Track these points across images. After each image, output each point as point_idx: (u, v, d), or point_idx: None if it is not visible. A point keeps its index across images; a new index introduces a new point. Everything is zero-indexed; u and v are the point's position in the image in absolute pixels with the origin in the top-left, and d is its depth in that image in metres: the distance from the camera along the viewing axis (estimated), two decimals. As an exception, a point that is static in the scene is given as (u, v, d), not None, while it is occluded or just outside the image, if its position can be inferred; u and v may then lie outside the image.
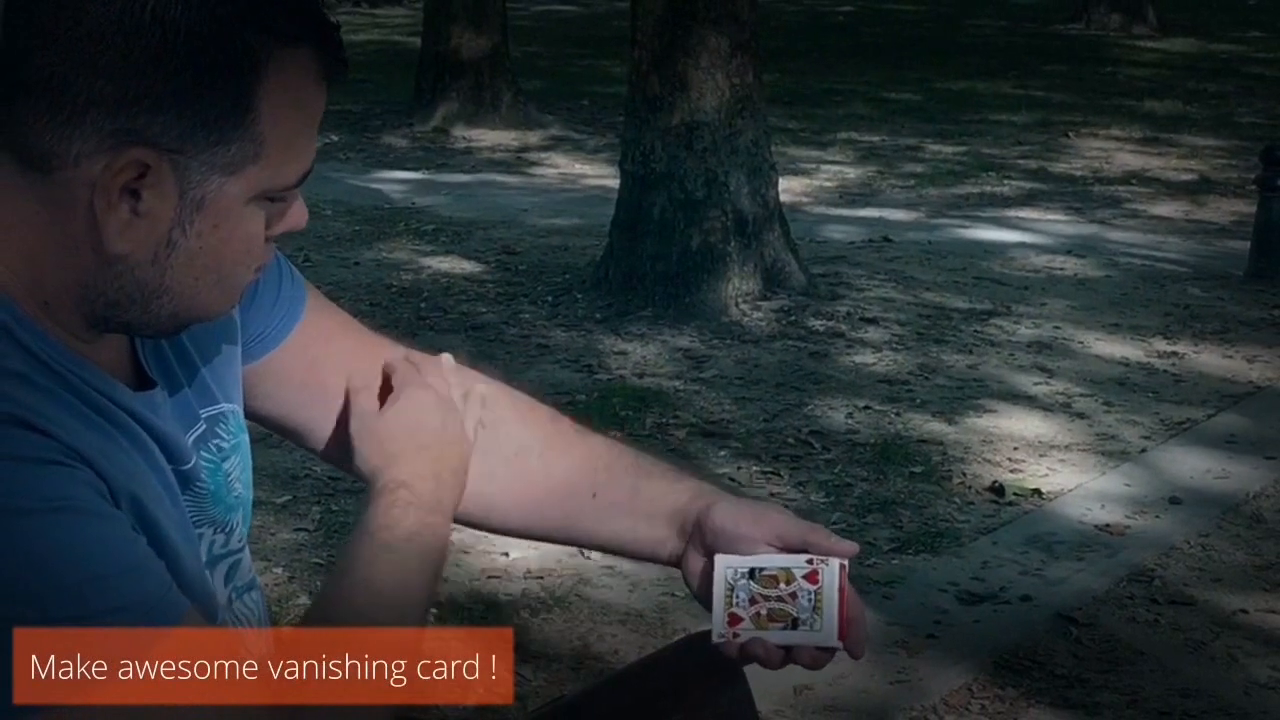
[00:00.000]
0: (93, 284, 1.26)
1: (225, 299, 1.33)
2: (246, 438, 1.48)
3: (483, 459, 1.58)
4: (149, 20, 1.19)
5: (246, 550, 1.46)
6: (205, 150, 1.23)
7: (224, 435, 1.43)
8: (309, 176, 1.31)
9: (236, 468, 1.45)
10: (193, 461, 1.36)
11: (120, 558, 1.19)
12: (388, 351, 1.63)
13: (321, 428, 1.59)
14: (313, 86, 1.27)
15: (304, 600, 3.87)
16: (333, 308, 1.61)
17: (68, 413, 1.24)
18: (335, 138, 10.68)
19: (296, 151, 1.28)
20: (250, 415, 1.58)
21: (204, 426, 1.41)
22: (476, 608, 3.84)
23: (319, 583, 3.97)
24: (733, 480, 4.60)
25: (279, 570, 4.01)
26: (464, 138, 10.95)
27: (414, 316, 6.43)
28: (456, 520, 1.62)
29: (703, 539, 1.56)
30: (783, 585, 1.50)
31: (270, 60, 1.23)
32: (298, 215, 1.34)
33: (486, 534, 4.30)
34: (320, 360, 1.57)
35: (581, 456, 1.60)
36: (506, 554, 4.15)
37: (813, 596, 1.49)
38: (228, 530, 1.42)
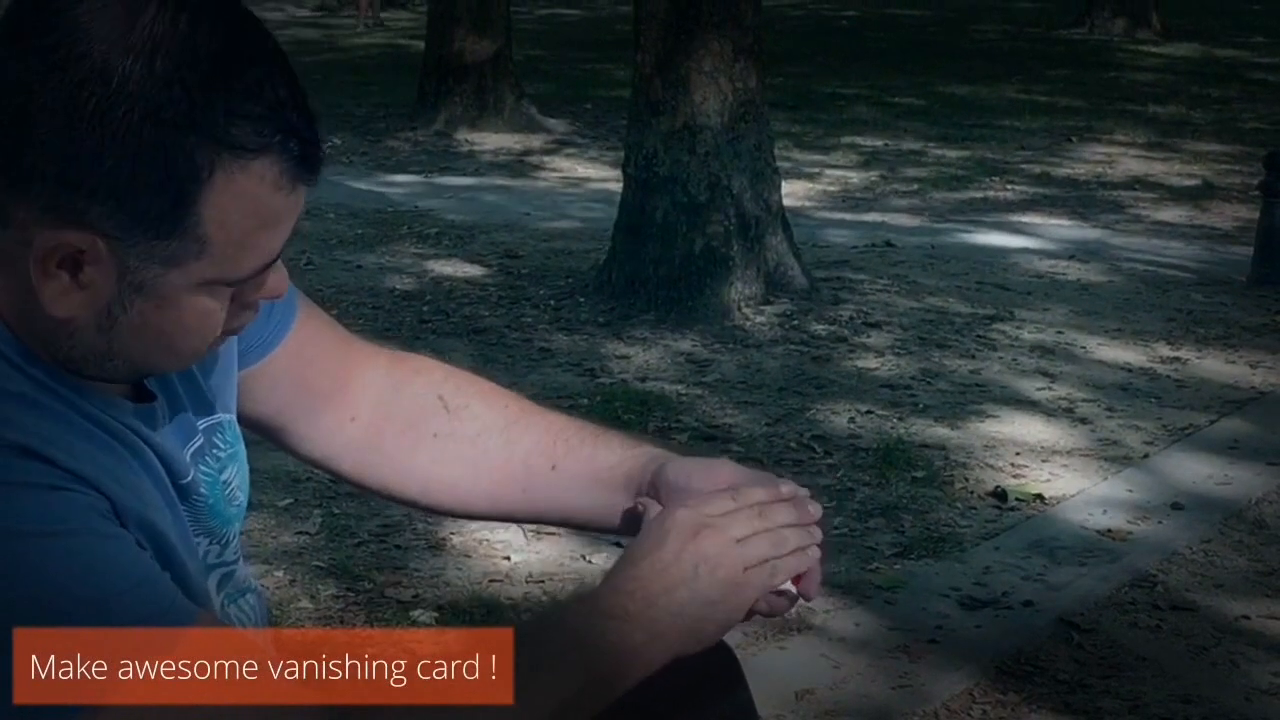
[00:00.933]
0: (51, 339, 1.26)
1: (184, 362, 1.31)
2: (243, 446, 1.48)
3: (448, 443, 1.59)
4: (90, 112, 1.16)
5: (241, 560, 1.46)
6: (142, 242, 1.20)
7: (221, 445, 1.43)
8: (276, 262, 1.27)
9: (235, 477, 1.45)
10: (191, 475, 1.37)
11: (127, 575, 1.20)
12: (368, 355, 1.64)
13: (302, 427, 1.60)
14: (270, 193, 1.21)
15: (305, 604, 3.87)
16: (317, 310, 1.61)
17: (71, 433, 1.24)
18: (338, 141, 10.68)
19: (252, 250, 1.24)
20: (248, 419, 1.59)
21: (201, 439, 1.41)
22: (478, 611, 3.84)
23: (320, 586, 3.97)
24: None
25: (280, 574, 4.00)
26: (467, 141, 10.96)
27: (416, 320, 6.43)
28: (420, 506, 1.63)
29: (658, 499, 1.55)
30: None
31: (216, 170, 1.18)
32: (274, 286, 1.31)
33: (488, 539, 4.32)
34: (314, 361, 1.58)
35: (541, 431, 1.60)
36: (508, 558, 4.15)
37: None
38: (224, 541, 1.43)
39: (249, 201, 1.21)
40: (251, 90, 1.19)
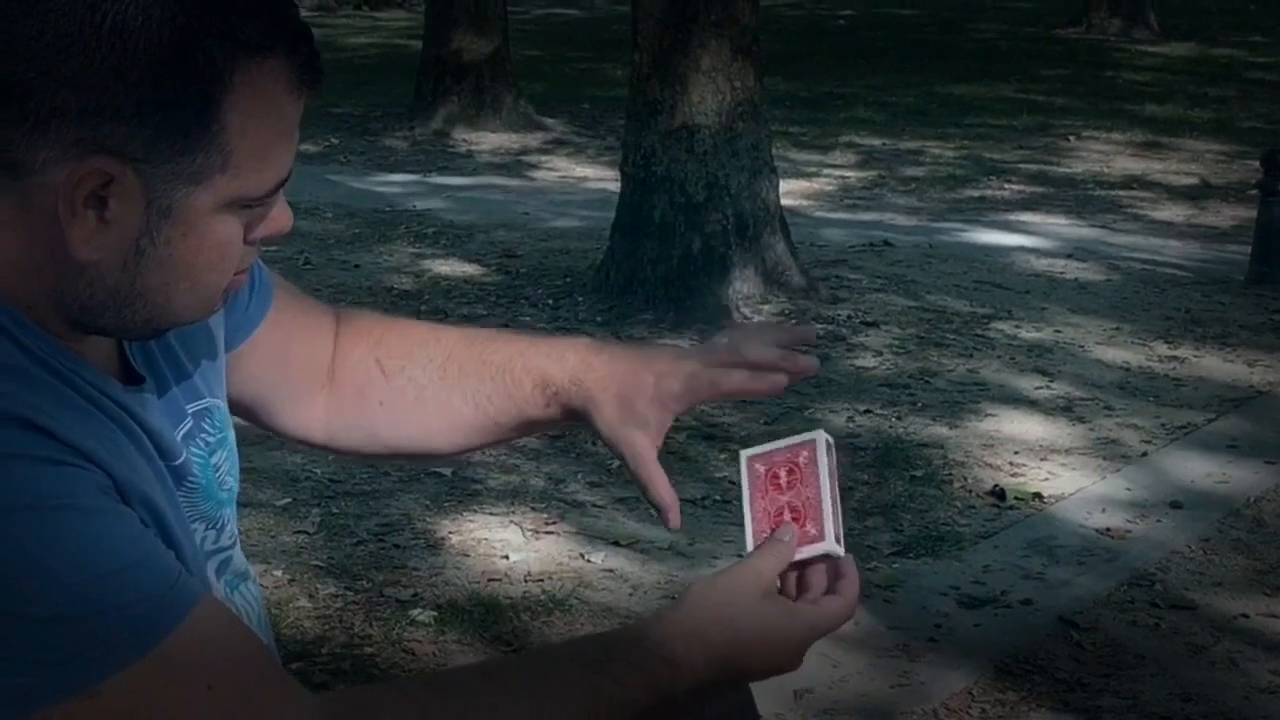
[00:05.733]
0: (67, 290, 1.25)
1: (201, 305, 1.32)
2: (232, 432, 1.48)
3: (395, 409, 1.62)
4: (108, 32, 1.17)
5: (237, 546, 1.46)
6: (170, 160, 1.21)
7: (210, 430, 1.44)
8: (288, 183, 1.30)
9: (224, 462, 1.45)
10: (183, 457, 1.37)
11: (130, 551, 1.20)
12: (324, 321, 1.65)
13: (294, 400, 1.62)
14: (284, 96, 1.25)
15: (304, 603, 3.86)
16: (285, 284, 1.62)
17: (69, 409, 1.24)
18: (335, 140, 10.68)
19: (270, 161, 1.26)
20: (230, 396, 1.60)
21: (191, 422, 1.41)
22: (477, 610, 3.84)
23: (318, 585, 3.97)
24: (733, 484, 4.59)
25: (279, 573, 4.00)
26: (464, 140, 10.95)
27: (414, 319, 6.42)
28: (399, 460, 1.64)
29: (585, 399, 1.56)
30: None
31: (236, 71, 1.21)
32: (280, 220, 1.32)
33: (487, 538, 4.32)
34: (292, 337, 1.60)
35: (473, 372, 1.61)
36: (507, 557, 4.15)
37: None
38: (219, 526, 1.43)
39: (266, 104, 1.23)
40: None
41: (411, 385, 1.62)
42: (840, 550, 1.47)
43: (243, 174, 1.24)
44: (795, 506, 1.48)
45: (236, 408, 1.60)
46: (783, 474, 1.48)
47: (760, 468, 1.49)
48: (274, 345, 1.57)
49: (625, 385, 1.54)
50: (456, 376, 1.61)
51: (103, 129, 1.19)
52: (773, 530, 1.47)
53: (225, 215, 1.26)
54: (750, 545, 1.47)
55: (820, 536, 1.46)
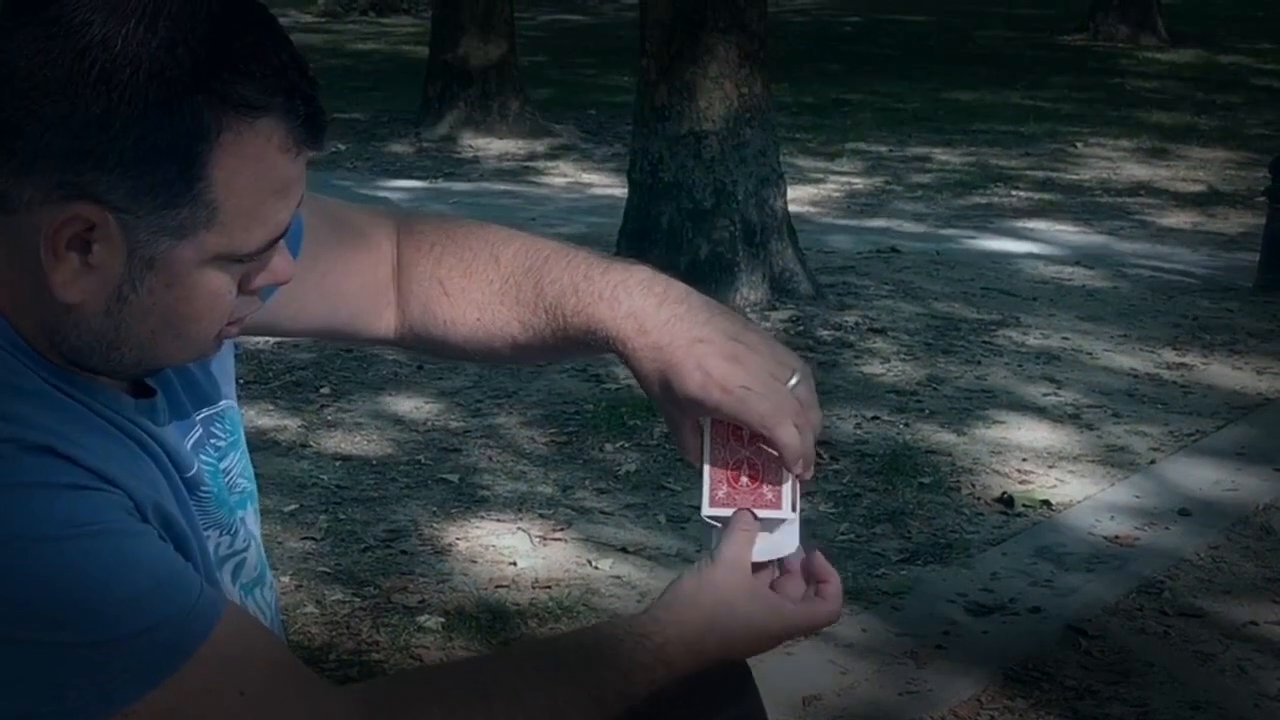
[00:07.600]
0: (56, 329, 1.25)
1: (192, 350, 1.30)
2: (243, 434, 1.48)
3: (460, 327, 1.60)
4: (94, 80, 1.15)
5: (253, 545, 1.46)
6: (152, 213, 1.19)
7: (220, 434, 1.43)
8: (282, 238, 1.27)
9: (236, 464, 1.44)
10: (195, 468, 1.36)
11: (156, 571, 1.20)
12: (380, 238, 1.63)
13: (363, 320, 1.61)
14: (277, 155, 1.21)
15: (311, 609, 3.86)
16: (327, 213, 1.59)
17: (89, 431, 1.24)
18: (342, 146, 10.68)
19: (259, 220, 1.23)
20: (291, 335, 1.62)
21: (200, 430, 1.40)
22: (484, 617, 3.84)
23: (326, 591, 3.97)
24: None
25: (286, 579, 4.00)
26: (471, 146, 10.95)
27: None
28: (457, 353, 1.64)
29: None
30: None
31: (224, 131, 1.18)
32: (281, 269, 1.30)
33: (494, 544, 4.31)
34: (338, 272, 1.58)
35: (529, 301, 1.59)
36: (514, 564, 4.14)
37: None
38: (232, 531, 1.42)
39: (256, 163, 1.21)
40: (252, 50, 1.20)
41: (473, 308, 1.60)
42: (795, 518, 1.46)
43: (230, 231, 1.22)
44: (755, 464, 1.46)
45: (324, 337, 1.67)
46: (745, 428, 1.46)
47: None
48: (314, 288, 1.55)
49: (671, 367, 1.45)
50: (514, 304, 1.58)
51: (86, 175, 1.17)
52: (730, 484, 1.46)
53: (213, 269, 1.23)
54: (706, 496, 1.46)
55: (776, 503, 1.45)
